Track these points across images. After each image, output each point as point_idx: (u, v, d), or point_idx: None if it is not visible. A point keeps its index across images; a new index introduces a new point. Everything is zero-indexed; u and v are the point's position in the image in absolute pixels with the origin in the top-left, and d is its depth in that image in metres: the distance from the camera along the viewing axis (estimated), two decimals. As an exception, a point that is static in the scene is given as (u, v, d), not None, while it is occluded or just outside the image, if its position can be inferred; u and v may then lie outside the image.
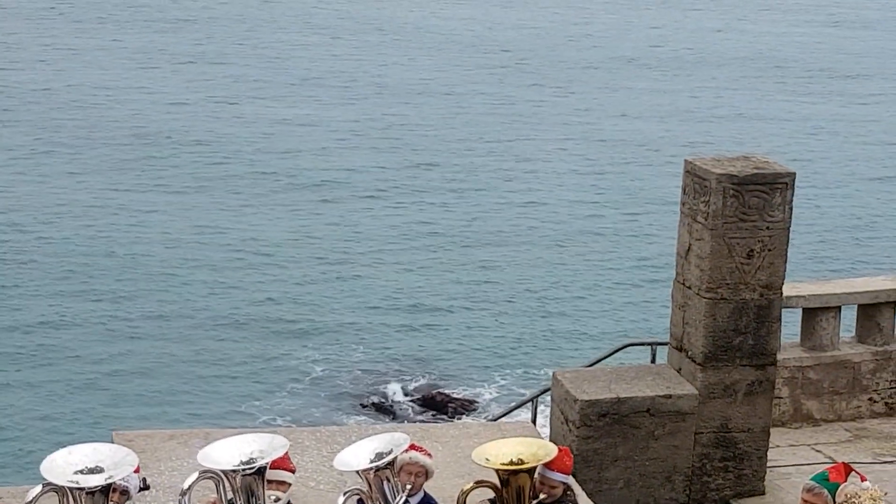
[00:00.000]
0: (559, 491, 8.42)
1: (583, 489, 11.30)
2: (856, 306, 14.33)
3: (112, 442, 10.16)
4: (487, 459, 7.91)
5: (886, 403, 14.28)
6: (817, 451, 13.35)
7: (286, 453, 7.25)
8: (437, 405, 25.28)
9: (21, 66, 50.05)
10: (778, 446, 13.16)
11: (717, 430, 12.22)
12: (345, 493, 7.11)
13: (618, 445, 11.98)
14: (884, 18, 67.99)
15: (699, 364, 12.13)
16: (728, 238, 11.87)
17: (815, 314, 14.02)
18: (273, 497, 7.70)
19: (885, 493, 8.16)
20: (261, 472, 6.74)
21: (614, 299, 30.57)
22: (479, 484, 8.06)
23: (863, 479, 7.88)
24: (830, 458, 12.86)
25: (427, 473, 8.59)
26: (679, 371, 12.46)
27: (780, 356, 12.84)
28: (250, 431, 7.59)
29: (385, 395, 25.68)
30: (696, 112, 48.16)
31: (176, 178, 37.75)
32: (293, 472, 8.25)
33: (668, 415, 12.05)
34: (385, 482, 7.17)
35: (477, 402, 25.54)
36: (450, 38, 59.68)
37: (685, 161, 12.41)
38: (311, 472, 11.05)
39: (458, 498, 8.04)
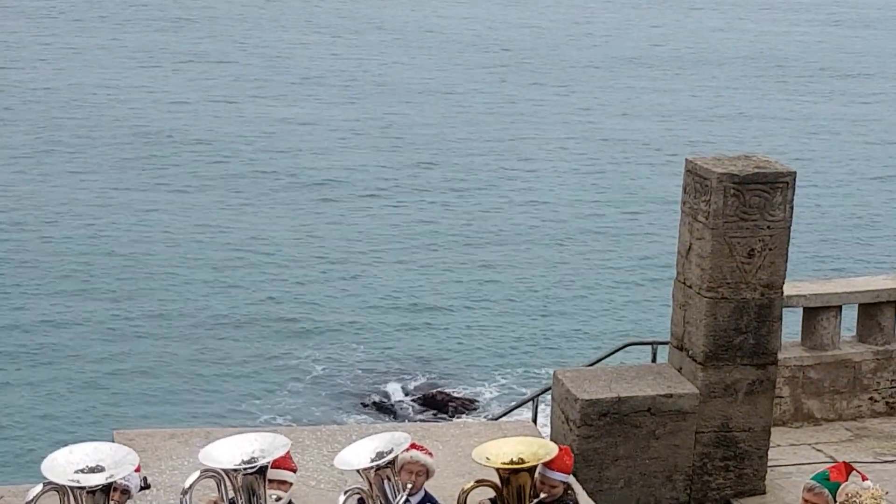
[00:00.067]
0: (560, 490, 8.42)
1: (583, 488, 11.30)
2: (857, 305, 14.32)
3: (113, 441, 10.18)
4: (488, 458, 7.92)
5: (887, 403, 14.28)
6: (818, 450, 13.35)
7: (287, 452, 7.25)
8: (438, 404, 25.27)
9: (21, 65, 50.01)
10: (779, 445, 13.16)
11: (718, 429, 12.22)
12: (345, 492, 7.12)
13: (618, 445, 11.99)
14: (884, 18, 67.91)
15: (700, 363, 12.13)
16: (729, 237, 11.87)
17: (816, 313, 14.02)
18: (274, 496, 7.70)
19: (886, 493, 8.16)
20: (262, 471, 6.75)
21: (615, 298, 30.55)
22: (480, 483, 8.07)
23: (864, 479, 7.89)
24: (831, 457, 12.86)
25: (428, 472, 8.59)
26: (680, 370, 12.47)
27: (780, 355, 12.85)
28: (251, 430, 7.59)
29: (386, 395, 25.68)
30: (696, 111, 48.12)
31: (177, 178, 37.74)
32: (294, 471, 8.24)
33: (668, 414, 12.05)
34: (386, 481, 7.18)
35: (477, 402, 25.54)
36: (450, 37, 59.64)
37: (686, 160, 12.41)
38: (312, 472, 11.05)
39: (459, 497, 8.05)
